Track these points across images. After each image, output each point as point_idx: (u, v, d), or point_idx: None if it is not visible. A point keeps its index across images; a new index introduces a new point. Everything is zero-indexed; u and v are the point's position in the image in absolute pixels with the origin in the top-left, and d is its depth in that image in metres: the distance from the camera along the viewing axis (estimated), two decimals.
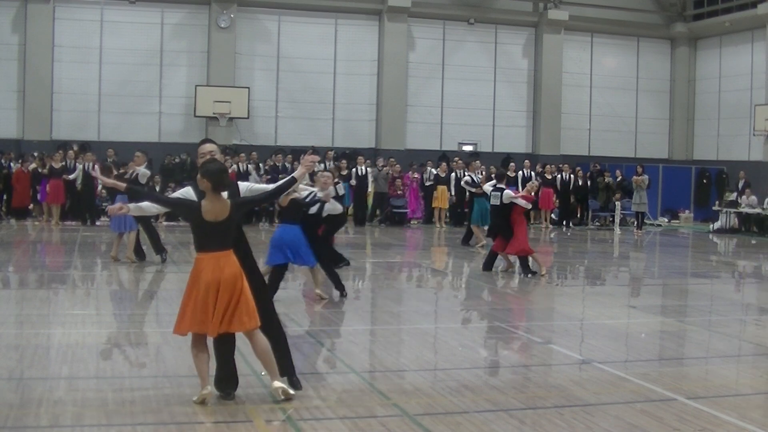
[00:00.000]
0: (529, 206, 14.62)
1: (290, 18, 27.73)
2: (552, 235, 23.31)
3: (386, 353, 8.49)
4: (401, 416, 6.12)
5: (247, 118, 26.70)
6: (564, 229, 25.12)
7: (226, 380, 6.44)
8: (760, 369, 8.08)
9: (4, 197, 23.23)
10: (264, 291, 6.60)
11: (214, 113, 26.12)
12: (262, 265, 10.14)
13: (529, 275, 13.95)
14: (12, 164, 23.00)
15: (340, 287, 11.38)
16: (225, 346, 6.42)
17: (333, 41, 28.07)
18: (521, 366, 8.07)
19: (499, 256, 14.50)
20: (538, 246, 20.78)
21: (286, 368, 6.65)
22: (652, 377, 7.44)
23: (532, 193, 14.57)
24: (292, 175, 6.60)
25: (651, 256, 20.34)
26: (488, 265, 14.54)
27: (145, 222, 14.56)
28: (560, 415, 6.25)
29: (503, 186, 14.51)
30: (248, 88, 26.70)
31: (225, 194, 6.15)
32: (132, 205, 6.54)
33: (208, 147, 6.53)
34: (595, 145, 30.74)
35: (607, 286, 14.48)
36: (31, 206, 23.17)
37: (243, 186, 6.54)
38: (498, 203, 14.31)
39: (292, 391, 6.37)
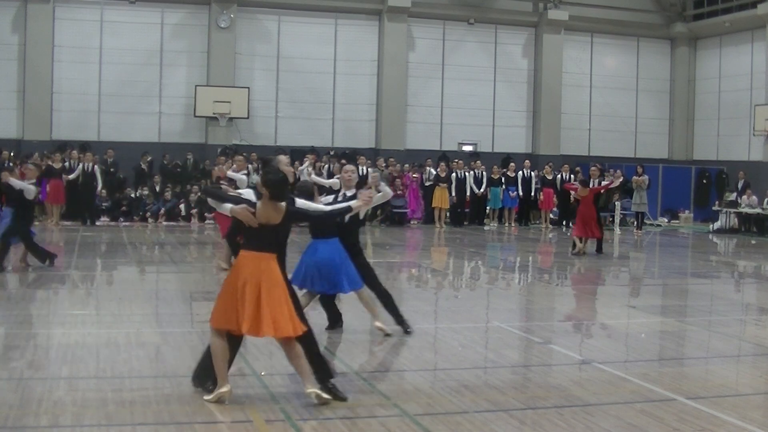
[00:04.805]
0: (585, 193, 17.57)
1: (290, 18, 27.70)
2: (551, 235, 23.31)
3: (386, 353, 8.49)
4: (401, 416, 6.12)
5: (247, 118, 26.66)
6: (564, 229, 25.07)
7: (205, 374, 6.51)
8: (760, 369, 8.08)
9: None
10: (296, 297, 6.72)
11: (214, 113, 26.09)
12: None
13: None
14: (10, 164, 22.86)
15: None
16: (237, 347, 6.45)
17: (333, 41, 28.04)
18: (521, 366, 8.07)
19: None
20: (538, 246, 20.83)
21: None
22: (652, 377, 7.44)
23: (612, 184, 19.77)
24: (349, 204, 6.66)
25: (651, 256, 20.33)
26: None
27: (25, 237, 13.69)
28: (560, 415, 6.25)
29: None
30: (248, 88, 26.66)
31: (283, 204, 6.31)
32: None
33: (283, 158, 7.51)
34: (595, 145, 30.69)
35: (607, 286, 14.48)
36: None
37: (299, 202, 6.70)
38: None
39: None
